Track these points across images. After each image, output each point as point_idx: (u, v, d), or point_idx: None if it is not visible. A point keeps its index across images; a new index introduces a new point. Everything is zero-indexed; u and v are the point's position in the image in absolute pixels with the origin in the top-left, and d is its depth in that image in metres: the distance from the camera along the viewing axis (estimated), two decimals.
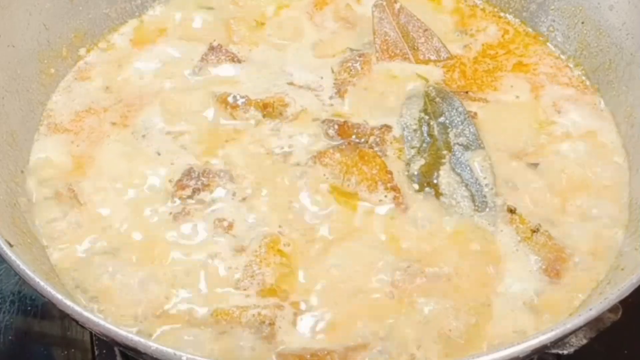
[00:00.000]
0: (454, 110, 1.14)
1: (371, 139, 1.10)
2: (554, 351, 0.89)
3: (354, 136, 1.11)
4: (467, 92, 1.18)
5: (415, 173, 1.08)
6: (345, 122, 1.12)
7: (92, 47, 1.24)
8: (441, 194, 1.06)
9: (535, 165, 1.09)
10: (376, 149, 1.09)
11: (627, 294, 0.84)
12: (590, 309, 0.83)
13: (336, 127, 1.11)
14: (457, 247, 1.01)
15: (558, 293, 0.97)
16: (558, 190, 1.07)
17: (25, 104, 1.11)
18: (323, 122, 1.13)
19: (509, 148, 1.11)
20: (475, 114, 1.14)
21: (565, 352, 0.90)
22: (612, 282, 0.94)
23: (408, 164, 1.09)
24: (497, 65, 1.23)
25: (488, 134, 1.12)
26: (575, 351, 0.90)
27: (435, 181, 1.07)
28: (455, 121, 1.13)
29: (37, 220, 1.02)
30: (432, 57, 1.23)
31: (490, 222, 1.03)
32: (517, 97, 1.18)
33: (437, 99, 1.16)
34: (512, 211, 1.03)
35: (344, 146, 1.10)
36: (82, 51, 1.22)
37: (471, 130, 1.12)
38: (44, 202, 1.05)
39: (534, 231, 1.01)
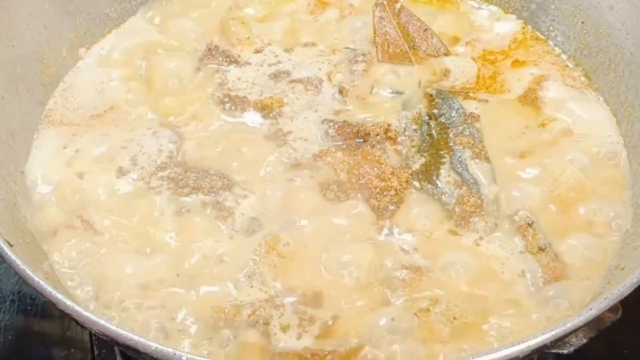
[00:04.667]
0: (454, 111, 1.14)
1: (371, 138, 1.10)
2: (554, 351, 0.89)
3: (354, 135, 1.11)
4: (467, 93, 1.18)
5: (416, 172, 1.08)
6: (345, 121, 1.12)
7: (91, 47, 1.24)
8: (441, 193, 1.05)
9: (536, 165, 1.09)
10: (377, 147, 1.09)
11: (627, 293, 0.84)
12: (591, 309, 0.82)
13: (336, 126, 1.12)
14: (457, 247, 1.01)
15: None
16: (558, 191, 1.06)
17: (25, 103, 1.11)
18: (323, 121, 1.13)
19: (510, 148, 1.11)
20: (478, 115, 1.14)
21: (565, 351, 0.90)
22: (612, 281, 0.94)
23: (408, 163, 1.09)
24: (499, 65, 1.23)
25: (489, 133, 1.12)
26: (575, 351, 0.91)
27: (435, 180, 1.07)
28: (455, 121, 1.13)
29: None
30: (432, 56, 1.22)
31: (490, 223, 1.03)
32: (519, 97, 1.18)
33: (437, 100, 1.16)
34: (529, 224, 1.02)
35: (345, 145, 1.09)
36: (82, 51, 1.22)
37: (471, 130, 1.12)
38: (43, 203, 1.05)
39: (541, 249, 1.00)
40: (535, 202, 1.05)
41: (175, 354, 0.78)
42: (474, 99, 1.17)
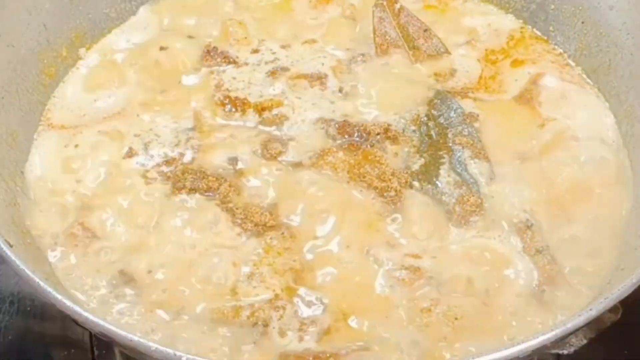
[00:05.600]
0: (453, 112, 1.14)
1: (371, 137, 1.10)
2: (554, 351, 0.89)
3: (355, 135, 1.11)
4: (466, 93, 1.18)
5: (416, 172, 1.08)
6: (345, 121, 1.12)
7: (91, 47, 1.24)
8: (441, 193, 1.05)
9: (535, 165, 1.09)
10: (377, 147, 1.09)
11: (627, 293, 0.84)
12: (591, 309, 0.83)
13: (337, 126, 1.12)
14: (457, 247, 1.01)
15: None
16: (557, 191, 1.06)
17: (25, 104, 1.11)
18: (323, 121, 1.13)
19: (509, 147, 1.11)
20: (477, 115, 1.14)
21: (565, 351, 0.90)
22: (612, 282, 0.94)
23: (408, 164, 1.09)
24: (499, 65, 1.23)
25: (488, 133, 1.12)
26: (575, 351, 0.91)
27: (435, 180, 1.07)
28: (454, 122, 1.13)
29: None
30: (433, 56, 1.22)
31: (490, 223, 1.03)
32: (514, 97, 1.18)
33: (436, 100, 1.16)
34: (528, 227, 1.02)
35: (347, 145, 1.09)
36: (82, 51, 1.22)
37: (470, 130, 1.12)
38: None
39: (538, 251, 1.00)
40: (534, 202, 1.05)
41: (175, 354, 0.78)
42: (473, 99, 1.17)
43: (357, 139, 1.10)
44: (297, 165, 1.08)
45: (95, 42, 1.24)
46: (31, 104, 1.13)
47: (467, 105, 1.16)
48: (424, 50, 1.22)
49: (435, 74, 1.21)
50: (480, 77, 1.21)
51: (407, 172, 1.07)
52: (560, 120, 1.15)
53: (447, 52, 1.23)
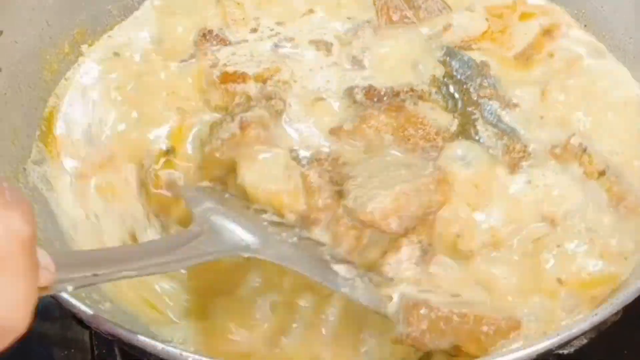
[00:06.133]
0: (465, 65, 1.13)
1: (402, 95, 1.08)
2: (555, 351, 0.90)
3: (385, 98, 1.08)
4: (470, 46, 1.17)
5: (455, 133, 1.06)
6: (370, 86, 1.10)
7: (94, 43, 1.23)
8: (487, 147, 1.05)
9: (557, 98, 1.08)
10: (420, 105, 1.07)
11: (632, 298, 0.85)
12: (595, 314, 0.84)
13: (363, 91, 1.09)
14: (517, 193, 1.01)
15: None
16: (586, 124, 1.06)
17: (27, 100, 1.10)
18: (349, 89, 1.10)
19: (530, 86, 1.10)
20: (489, 63, 1.13)
21: (565, 352, 0.92)
22: (619, 286, 0.95)
23: (445, 125, 1.07)
24: (506, 19, 1.21)
25: (506, 78, 1.12)
26: (575, 351, 0.92)
27: (476, 137, 1.06)
28: (471, 75, 1.12)
29: None
30: (434, 15, 1.20)
31: (540, 163, 1.03)
32: (520, 53, 1.17)
33: (445, 58, 1.14)
34: (584, 150, 1.01)
35: (385, 106, 1.06)
36: (84, 47, 1.21)
37: (489, 81, 1.11)
38: None
39: (601, 174, 1.00)
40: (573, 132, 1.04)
41: (182, 354, 0.78)
42: (477, 49, 1.16)
43: (387, 100, 1.07)
44: (339, 128, 1.05)
45: (98, 38, 1.23)
46: (33, 100, 1.11)
47: (474, 56, 1.15)
48: (424, 8, 1.20)
49: (438, 31, 1.18)
50: (486, 32, 1.19)
51: (446, 133, 1.05)
52: (571, 51, 1.14)
53: (448, 7, 1.21)
